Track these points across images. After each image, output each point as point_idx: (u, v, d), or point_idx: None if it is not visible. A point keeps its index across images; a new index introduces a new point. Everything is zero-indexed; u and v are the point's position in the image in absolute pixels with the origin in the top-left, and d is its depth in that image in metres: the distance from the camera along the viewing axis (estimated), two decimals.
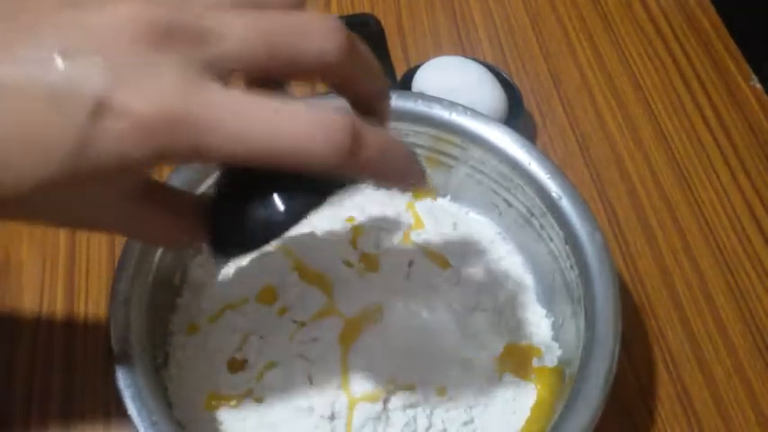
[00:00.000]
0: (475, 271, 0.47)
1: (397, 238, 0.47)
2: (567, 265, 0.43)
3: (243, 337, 0.43)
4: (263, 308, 0.43)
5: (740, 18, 0.67)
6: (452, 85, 0.53)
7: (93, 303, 0.50)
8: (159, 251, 0.41)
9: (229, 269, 0.46)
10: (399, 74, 0.51)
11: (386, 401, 0.40)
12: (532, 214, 0.46)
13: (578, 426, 0.37)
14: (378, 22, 0.48)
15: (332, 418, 0.40)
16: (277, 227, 0.29)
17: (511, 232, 0.49)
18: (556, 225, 0.43)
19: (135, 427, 0.35)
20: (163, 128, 0.23)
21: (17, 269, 0.51)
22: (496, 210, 0.49)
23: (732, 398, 0.48)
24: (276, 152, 0.25)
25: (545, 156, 0.45)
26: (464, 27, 0.65)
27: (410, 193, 0.51)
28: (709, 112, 0.60)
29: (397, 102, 0.46)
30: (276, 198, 0.28)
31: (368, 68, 0.30)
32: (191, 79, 0.24)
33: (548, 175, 0.44)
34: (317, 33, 0.27)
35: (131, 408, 0.36)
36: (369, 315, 0.42)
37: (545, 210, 0.44)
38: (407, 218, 0.49)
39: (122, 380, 0.36)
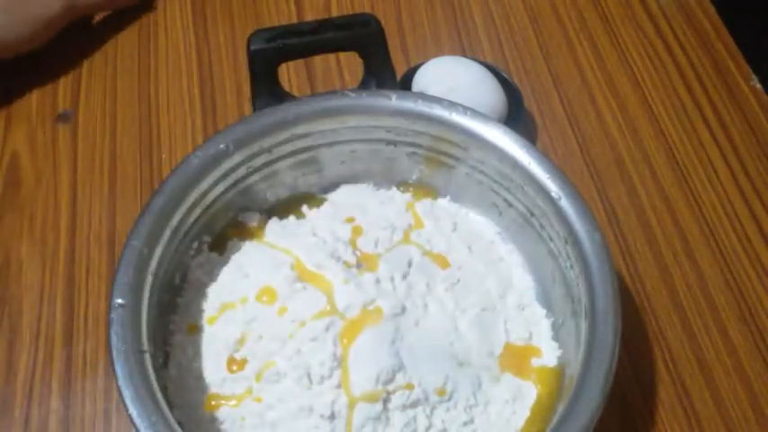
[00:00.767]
0: (475, 271, 0.47)
1: (396, 238, 0.47)
2: (567, 264, 0.43)
3: (242, 337, 0.43)
4: (263, 308, 0.43)
5: (740, 18, 0.67)
6: (452, 85, 0.53)
7: (93, 303, 0.50)
8: (159, 251, 0.41)
9: (229, 269, 0.46)
10: (399, 74, 0.51)
11: (386, 401, 0.40)
12: (532, 214, 0.46)
13: (578, 426, 0.37)
14: (378, 22, 0.48)
15: (332, 418, 0.40)
16: None
17: (511, 232, 0.49)
18: (556, 225, 0.43)
19: (135, 426, 0.35)
20: None
21: (17, 269, 0.51)
22: (496, 210, 0.49)
23: (732, 398, 0.48)
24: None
25: (545, 156, 0.45)
26: (464, 27, 0.65)
27: (410, 193, 0.51)
28: (709, 112, 0.60)
29: (397, 102, 0.46)
30: None
31: None
32: None
33: (548, 175, 0.44)
34: None
35: (131, 408, 0.36)
36: (368, 315, 0.42)
37: (545, 209, 0.44)
38: (407, 218, 0.49)
39: (122, 380, 0.36)
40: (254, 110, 0.47)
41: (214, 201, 0.46)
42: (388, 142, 0.49)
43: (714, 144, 0.59)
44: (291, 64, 0.60)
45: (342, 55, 0.61)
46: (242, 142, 0.45)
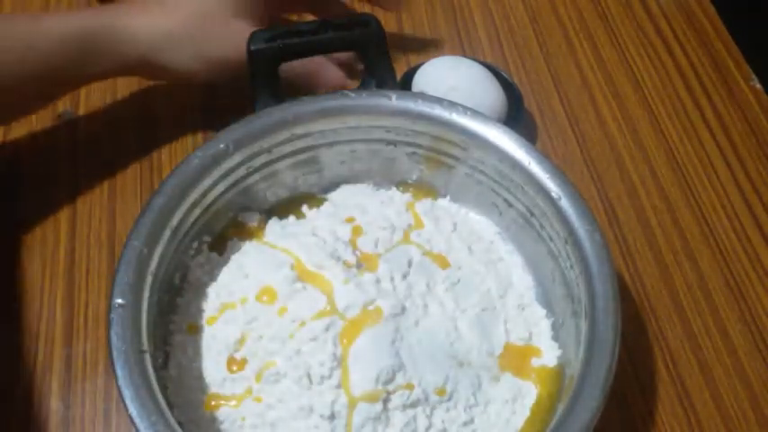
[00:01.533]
0: (475, 271, 0.47)
1: (396, 238, 0.47)
2: (567, 264, 0.43)
3: (242, 337, 0.43)
4: (263, 308, 0.43)
5: (740, 18, 0.67)
6: (452, 85, 0.53)
7: (93, 303, 0.50)
8: (159, 251, 0.41)
9: (229, 269, 0.46)
10: (399, 74, 0.51)
11: (386, 401, 0.40)
12: (532, 214, 0.46)
13: (578, 426, 0.37)
14: (378, 22, 0.48)
15: (332, 418, 0.40)
16: None
17: (511, 232, 0.49)
18: (556, 225, 0.43)
19: (135, 426, 0.35)
20: None
21: (17, 269, 0.51)
22: (496, 210, 0.49)
23: (732, 398, 0.48)
24: None
25: (545, 156, 0.45)
26: (464, 27, 0.65)
27: (410, 193, 0.51)
28: (709, 112, 0.60)
29: (397, 102, 0.46)
30: None
31: None
32: None
33: (547, 175, 0.44)
34: None
35: (131, 408, 0.36)
36: (368, 315, 0.42)
37: (545, 209, 0.44)
38: (407, 218, 0.49)
39: (122, 380, 0.36)
40: (255, 110, 0.47)
41: (214, 201, 0.46)
42: (388, 142, 0.49)
43: (714, 144, 0.59)
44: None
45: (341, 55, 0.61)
46: (242, 142, 0.45)
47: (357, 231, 0.47)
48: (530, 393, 0.43)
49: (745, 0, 0.70)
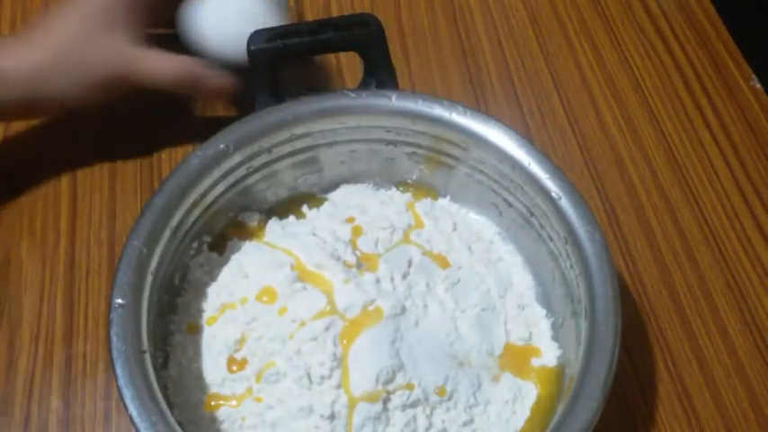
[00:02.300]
0: (475, 271, 0.47)
1: (396, 238, 0.47)
2: (567, 264, 0.43)
3: (242, 337, 0.43)
4: (263, 308, 0.43)
5: (740, 18, 0.67)
6: (222, 15, 0.50)
7: (93, 303, 0.50)
8: (159, 251, 0.41)
9: (229, 269, 0.46)
10: (399, 74, 0.51)
11: (386, 401, 0.40)
12: (532, 214, 0.46)
13: (578, 426, 0.37)
14: (378, 22, 0.48)
15: (332, 418, 0.40)
16: None
17: (511, 232, 0.49)
18: (556, 225, 0.43)
19: (135, 427, 0.35)
20: None
21: (17, 269, 0.51)
22: (496, 210, 0.49)
23: (732, 398, 0.48)
24: None
25: (545, 156, 0.45)
26: (464, 27, 0.65)
27: (410, 193, 0.51)
28: (709, 112, 0.60)
29: (397, 102, 0.46)
30: None
31: None
32: None
33: (547, 175, 0.44)
34: None
35: (131, 408, 0.36)
36: (368, 315, 0.42)
37: (545, 209, 0.44)
38: (407, 218, 0.49)
39: (122, 380, 0.36)
40: (255, 110, 0.47)
41: (214, 201, 0.46)
42: (388, 142, 0.49)
43: (714, 144, 0.59)
44: None
45: (342, 55, 0.61)
46: (242, 142, 0.45)
47: (357, 231, 0.47)
48: (530, 393, 0.43)
49: (745, 0, 0.70)
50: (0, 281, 0.51)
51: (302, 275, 0.44)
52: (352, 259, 0.45)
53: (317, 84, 0.59)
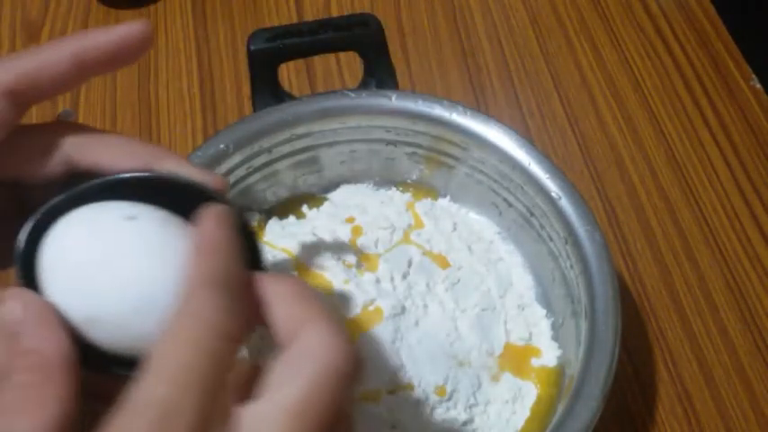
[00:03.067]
0: (475, 271, 0.47)
1: (396, 238, 0.47)
2: (567, 264, 0.43)
3: None
4: None
5: (740, 18, 0.67)
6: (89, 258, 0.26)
7: None
8: None
9: None
10: (399, 74, 0.51)
11: (386, 401, 0.40)
12: (532, 214, 0.46)
13: (578, 426, 0.37)
14: (378, 22, 0.48)
15: None
16: None
17: (511, 232, 0.49)
18: (556, 225, 0.43)
19: None
20: None
21: None
22: (496, 210, 0.49)
23: (732, 398, 0.48)
24: None
25: (545, 156, 0.45)
26: (464, 27, 0.65)
27: (410, 193, 0.51)
28: (709, 112, 0.60)
29: (397, 102, 0.46)
30: None
31: None
32: None
33: (547, 175, 0.44)
34: None
35: None
36: (369, 315, 0.42)
37: (545, 209, 0.44)
38: (407, 218, 0.49)
39: None
40: (254, 110, 0.47)
41: None
42: (388, 142, 0.49)
43: (714, 144, 0.59)
44: (291, 64, 0.60)
45: (342, 55, 0.61)
46: (242, 142, 0.45)
47: (357, 231, 0.47)
48: (530, 393, 0.43)
49: (745, 0, 0.70)
50: (0, 281, 0.51)
51: (302, 275, 0.44)
52: (352, 259, 0.45)
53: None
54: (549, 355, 0.45)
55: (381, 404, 0.40)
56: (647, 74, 0.62)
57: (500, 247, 0.49)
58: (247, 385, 0.25)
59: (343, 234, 0.47)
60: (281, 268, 0.44)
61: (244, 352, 0.42)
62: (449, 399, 0.41)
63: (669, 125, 0.60)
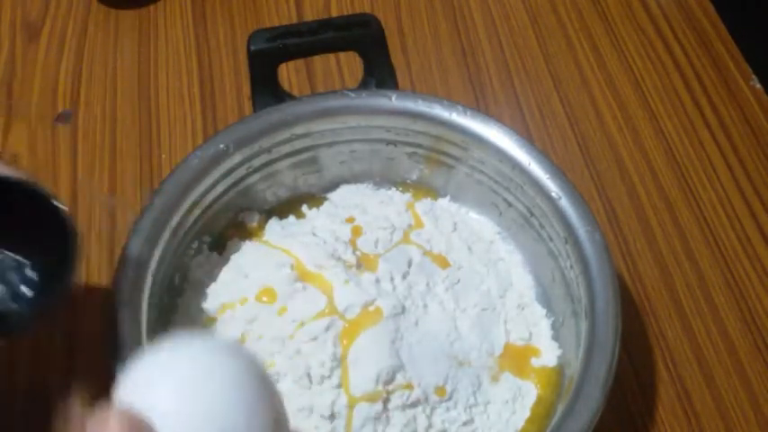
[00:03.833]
0: (474, 271, 0.47)
1: (396, 238, 0.47)
2: (567, 264, 0.43)
3: (242, 337, 0.43)
4: (263, 308, 0.43)
5: (740, 18, 0.67)
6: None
7: (93, 303, 0.50)
8: (159, 251, 0.41)
9: (229, 269, 0.46)
10: (399, 74, 0.51)
11: (386, 401, 0.40)
12: (532, 214, 0.46)
13: (578, 426, 0.37)
14: (378, 22, 0.48)
15: (332, 418, 0.40)
16: None
17: (511, 232, 0.49)
18: (556, 225, 0.43)
19: None
20: None
21: None
22: (496, 210, 0.49)
23: (732, 398, 0.48)
24: None
25: (545, 156, 0.45)
26: (464, 27, 0.65)
27: (410, 193, 0.51)
28: (709, 112, 0.60)
29: (397, 102, 0.46)
30: None
31: None
32: None
33: (547, 175, 0.44)
34: None
35: None
36: (368, 315, 0.42)
37: (545, 209, 0.44)
38: (407, 218, 0.49)
39: None
40: (254, 110, 0.47)
41: (214, 201, 0.46)
42: (388, 142, 0.49)
43: (714, 144, 0.59)
44: (291, 64, 0.60)
45: (342, 55, 0.61)
46: (242, 142, 0.45)
47: (357, 231, 0.47)
48: (530, 393, 0.43)
49: (744, 0, 0.70)
50: None
51: (302, 275, 0.44)
52: (352, 259, 0.45)
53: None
54: (549, 355, 0.45)
55: (381, 404, 0.40)
56: (647, 74, 0.62)
57: (500, 247, 0.49)
58: None
59: (343, 234, 0.47)
60: (281, 269, 0.44)
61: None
62: (449, 399, 0.41)
63: (669, 125, 0.60)
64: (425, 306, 0.44)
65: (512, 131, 0.45)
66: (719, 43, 0.64)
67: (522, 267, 0.48)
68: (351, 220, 0.48)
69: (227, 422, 0.28)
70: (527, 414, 0.43)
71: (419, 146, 0.49)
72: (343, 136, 0.48)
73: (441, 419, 0.41)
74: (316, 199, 0.51)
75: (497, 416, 0.42)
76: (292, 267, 0.44)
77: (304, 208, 0.50)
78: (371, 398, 0.40)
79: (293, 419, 0.40)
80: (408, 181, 0.51)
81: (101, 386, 0.47)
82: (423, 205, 0.50)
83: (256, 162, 0.47)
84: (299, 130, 0.47)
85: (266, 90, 0.48)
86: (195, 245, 0.47)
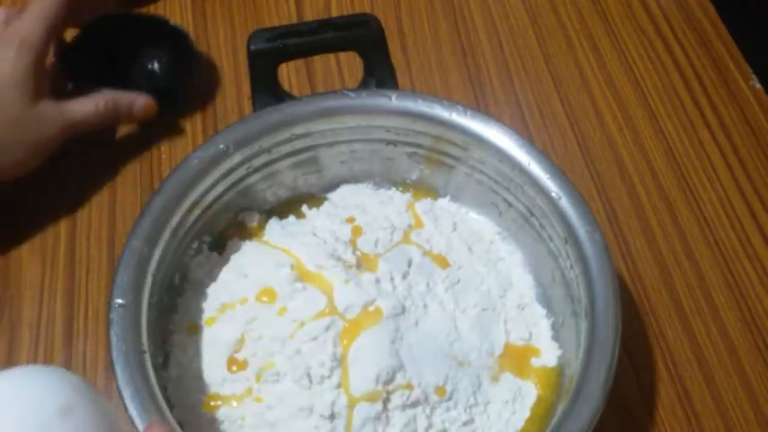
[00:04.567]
0: (474, 271, 0.47)
1: (396, 238, 0.47)
2: (567, 264, 0.43)
3: (242, 337, 0.43)
4: (263, 308, 0.43)
5: (740, 18, 0.67)
6: None
7: (93, 303, 0.50)
8: (159, 251, 0.41)
9: (229, 269, 0.46)
10: (399, 74, 0.51)
11: (386, 401, 0.40)
12: (532, 214, 0.46)
13: (578, 426, 0.37)
14: (378, 22, 0.48)
15: (332, 418, 0.40)
16: None
17: (511, 232, 0.49)
18: (556, 225, 0.43)
19: (135, 427, 0.35)
20: None
21: (17, 269, 0.51)
22: (496, 210, 0.49)
23: (732, 398, 0.48)
24: None
25: (545, 156, 0.45)
26: (464, 27, 0.65)
27: (410, 193, 0.51)
28: (709, 112, 0.60)
29: (397, 102, 0.46)
30: None
31: None
32: None
33: (548, 175, 0.44)
34: None
35: (131, 408, 0.36)
36: (368, 315, 0.42)
37: (545, 209, 0.44)
38: (407, 218, 0.49)
39: (122, 380, 0.36)
40: (254, 110, 0.47)
41: (214, 201, 0.46)
42: (388, 142, 0.49)
43: (714, 144, 0.59)
44: (291, 64, 0.60)
45: (342, 55, 0.61)
46: (242, 142, 0.45)
47: (357, 231, 0.47)
48: (530, 393, 0.43)
49: (744, 0, 0.70)
50: (0, 281, 0.51)
51: (302, 275, 0.44)
52: (352, 259, 0.45)
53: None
54: (549, 355, 0.45)
55: (381, 404, 0.40)
56: (647, 74, 0.62)
57: (500, 247, 0.49)
58: None
59: (343, 234, 0.47)
60: (281, 269, 0.44)
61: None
62: (449, 399, 0.41)
63: (669, 125, 0.60)
64: (425, 306, 0.44)
65: (512, 131, 0.45)
66: (719, 43, 0.64)
67: (522, 267, 0.48)
68: (351, 220, 0.48)
69: None
70: (527, 414, 0.43)
71: (419, 146, 0.49)
72: (343, 136, 0.48)
73: (441, 419, 0.41)
74: (316, 199, 0.51)
75: (497, 416, 0.42)
76: (292, 267, 0.44)
77: (304, 208, 0.50)
78: (371, 398, 0.40)
79: (293, 419, 0.40)
80: (408, 181, 0.51)
81: (100, 383, 0.47)
82: (423, 205, 0.50)
83: (256, 162, 0.47)
84: (299, 130, 0.47)
85: (266, 90, 0.48)
86: (195, 245, 0.47)
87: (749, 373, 0.49)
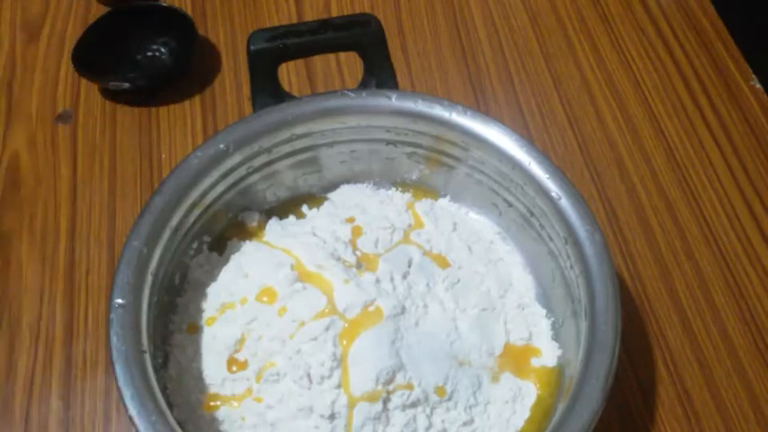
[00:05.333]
0: (474, 271, 0.47)
1: (396, 238, 0.47)
2: (567, 264, 0.43)
3: (242, 337, 0.43)
4: (263, 308, 0.43)
5: (740, 18, 0.67)
6: None
7: (93, 303, 0.50)
8: (159, 251, 0.41)
9: (229, 269, 0.46)
10: (399, 74, 0.51)
11: (386, 401, 0.40)
12: (532, 214, 0.46)
13: (578, 426, 0.37)
14: (378, 22, 0.48)
15: (332, 418, 0.40)
16: None
17: (511, 232, 0.49)
18: (556, 225, 0.43)
19: (135, 426, 0.35)
20: None
21: (17, 269, 0.51)
22: (496, 210, 0.49)
23: (732, 398, 0.48)
24: None
25: (545, 156, 0.45)
26: (464, 27, 0.65)
27: (410, 193, 0.51)
28: (709, 113, 0.60)
29: (397, 102, 0.46)
30: None
31: None
32: None
33: (547, 175, 0.44)
34: None
35: (131, 408, 0.36)
36: (368, 315, 0.42)
37: (545, 209, 0.44)
38: (407, 218, 0.49)
39: (122, 380, 0.36)
40: (254, 110, 0.47)
41: (214, 201, 0.46)
42: (388, 142, 0.49)
43: (714, 144, 0.59)
44: (291, 64, 0.60)
45: (342, 55, 0.61)
46: (242, 142, 0.45)
47: (357, 231, 0.47)
48: (530, 393, 0.43)
49: (744, 0, 0.70)
50: (0, 282, 0.51)
51: (302, 275, 0.44)
52: (352, 259, 0.45)
53: None
54: (549, 355, 0.45)
55: (381, 404, 0.40)
56: (647, 74, 0.62)
57: (500, 247, 0.49)
58: None
59: (343, 234, 0.47)
60: (281, 269, 0.44)
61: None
62: (449, 399, 0.41)
63: (669, 125, 0.60)
64: (425, 306, 0.44)
65: (512, 131, 0.45)
66: (719, 43, 0.64)
67: (521, 267, 0.48)
68: (351, 220, 0.48)
69: None
70: (527, 414, 0.43)
71: (419, 146, 0.49)
72: (343, 136, 0.48)
73: (441, 419, 0.41)
74: (316, 199, 0.51)
75: (497, 416, 0.42)
76: (292, 267, 0.44)
77: (304, 208, 0.50)
78: (371, 398, 0.40)
79: (293, 419, 0.40)
80: (408, 181, 0.51)
81: (100, 383, 0.47)
82: (423, 205, 0.50)
83: (256, 162, 0.47)
84: (299, 129, 0.46)
85: (266, 90, 0.48)
86: (195, 245, 0.47)
87: (749, 373, 0.49)
